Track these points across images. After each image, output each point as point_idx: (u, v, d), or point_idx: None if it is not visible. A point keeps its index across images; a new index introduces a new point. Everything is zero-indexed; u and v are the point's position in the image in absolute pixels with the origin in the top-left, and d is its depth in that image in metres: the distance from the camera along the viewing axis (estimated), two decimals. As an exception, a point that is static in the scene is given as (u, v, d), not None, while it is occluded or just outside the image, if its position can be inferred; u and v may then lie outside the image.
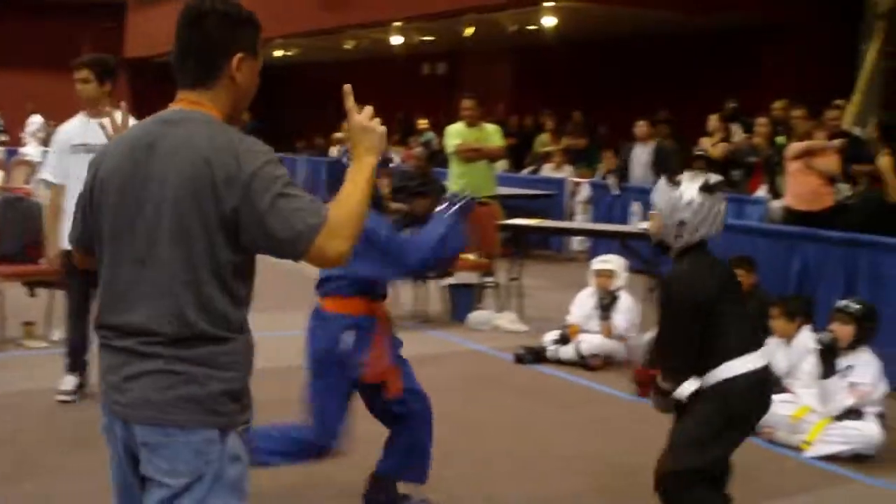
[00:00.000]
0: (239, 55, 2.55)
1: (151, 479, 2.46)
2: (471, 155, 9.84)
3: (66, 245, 6.05)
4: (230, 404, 2.49)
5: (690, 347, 3.92)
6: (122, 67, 26.24)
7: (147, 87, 24.68)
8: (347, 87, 2.70)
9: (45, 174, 6.38)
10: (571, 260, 13.25)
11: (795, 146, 9.59)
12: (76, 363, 6.37)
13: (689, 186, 4.03)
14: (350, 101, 2.66)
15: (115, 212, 2.51)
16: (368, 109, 2.65)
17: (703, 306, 3.88)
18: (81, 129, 6.21)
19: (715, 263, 4.06)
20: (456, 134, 10.04)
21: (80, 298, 6.26)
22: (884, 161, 8.46)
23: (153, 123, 2.55)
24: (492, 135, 10.13)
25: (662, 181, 4.14)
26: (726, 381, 3.87)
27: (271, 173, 2.41)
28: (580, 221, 13.22)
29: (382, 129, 2.63)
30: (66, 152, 6.19)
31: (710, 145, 12.41)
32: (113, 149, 2.60)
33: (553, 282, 11.27)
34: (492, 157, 10.15)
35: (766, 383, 4.05)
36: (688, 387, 3.93)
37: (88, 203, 2.61)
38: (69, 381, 6.35)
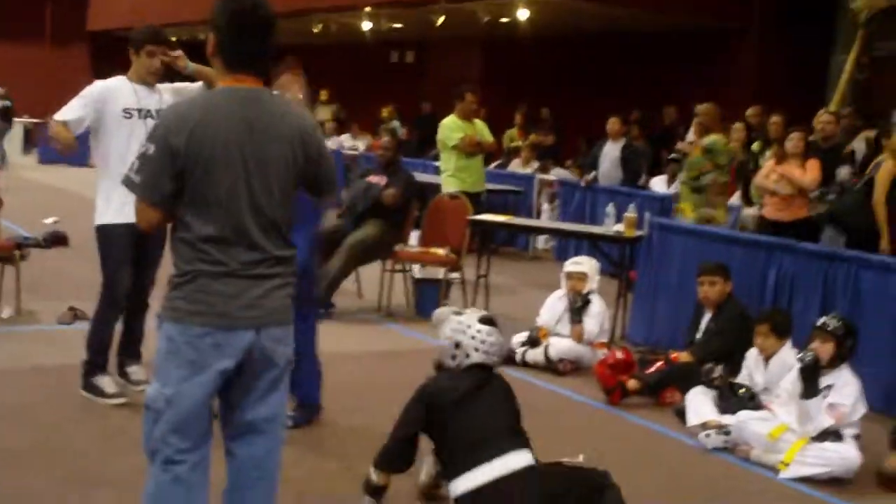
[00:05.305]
0: None
1: (262, 368, 3.31)
2: (474, 149, 10.01)
3: (120, 220, 5.56)
4: None
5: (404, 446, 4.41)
6: (84, 40, 25.88)
7: (108, 61, 24.22)
8: None
9: (64, 115, 5.70)
10: (536, 258, 13.06)
11: (763, 177, 9.38)
12: (105, 361, 5.95)
13: (471, 316, 4.59)
14: None
15: (234, 169, 3.20)
16: None
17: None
18: (131, 93, 5.79)
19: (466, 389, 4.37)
20: (457, 127, 10.06)
21: (125, 288, 5.80)
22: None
23: (242, 99, 3.27)
24: (482, 130, 10.28)
25: (446, 310, 4.74)
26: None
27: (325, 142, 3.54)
28: (546, 219, 13.03)
29: None
30: (113, 114, 5.72)
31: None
32: (208, 116, 3.21)
33: (518, 280, 11.08)
34: (490, 151, 10.44)
35: (500, 493, 4.14)
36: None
37: (185, 162, 3.16)
38: (111, 383, 5.89)
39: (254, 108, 3.26)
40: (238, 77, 3.29)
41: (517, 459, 4.20)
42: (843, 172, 8.54)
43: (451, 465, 4.25)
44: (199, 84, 5.85)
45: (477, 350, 4.48)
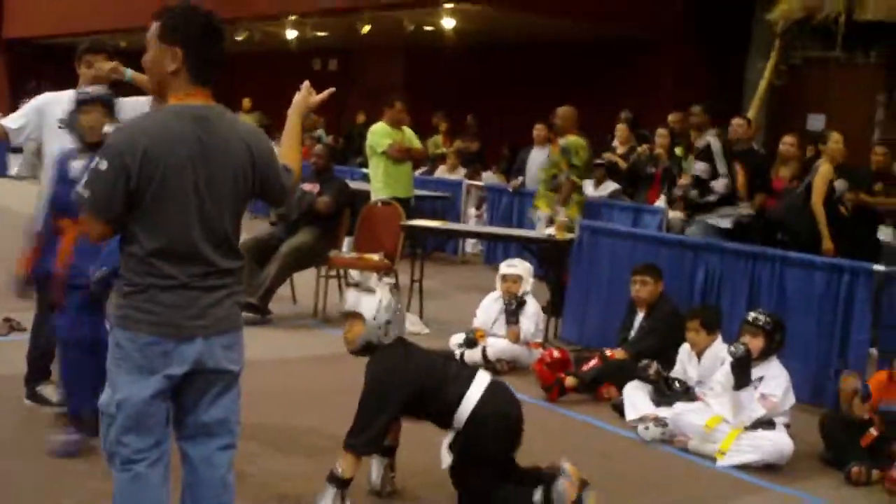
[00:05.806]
0: None
1: (214, 374, 3.38)
2: (402, 156, 10.12)
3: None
4: None
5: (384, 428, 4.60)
6: (0, 48, 25.40)
7: (26, 70, 23.83)
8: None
9: (7, 122, 5.83)
10: (465, 262, 13.22)
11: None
12: (48, 369, 5.91)
13: (384, 291, 4.72)
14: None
15: (186, 189, 3.25)
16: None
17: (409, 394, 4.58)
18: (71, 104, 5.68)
19: (408, 352, 4.73)
20: (385, 134, 10.19)
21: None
22: None
23: (192, 118, 3.30)
24: (411, 138, 10.44)
25: (354, 293, 4.75)
26: (468, 421, 4.55)
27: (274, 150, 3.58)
28: (474, 224, 13.22)
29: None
30: (50, 125, 5.73)
31: (618, 156, 12.52)
32: (160, 137, 3.24)
33: (449, 283, 11.21)
34: (418, 158, 10.60)
35: (494, 394, 4.65)
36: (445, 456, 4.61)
37: (137, 183, 3.20)
38: (55, 391, 5.80)
39: (204, 126, 3.31)
40: (189, 92, 3.34)
41: (483, 377, 4.72)
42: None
43: (446, 411, 4.58)
44: (147, 98, 5.83)
45: (401, 321, 4.79)
